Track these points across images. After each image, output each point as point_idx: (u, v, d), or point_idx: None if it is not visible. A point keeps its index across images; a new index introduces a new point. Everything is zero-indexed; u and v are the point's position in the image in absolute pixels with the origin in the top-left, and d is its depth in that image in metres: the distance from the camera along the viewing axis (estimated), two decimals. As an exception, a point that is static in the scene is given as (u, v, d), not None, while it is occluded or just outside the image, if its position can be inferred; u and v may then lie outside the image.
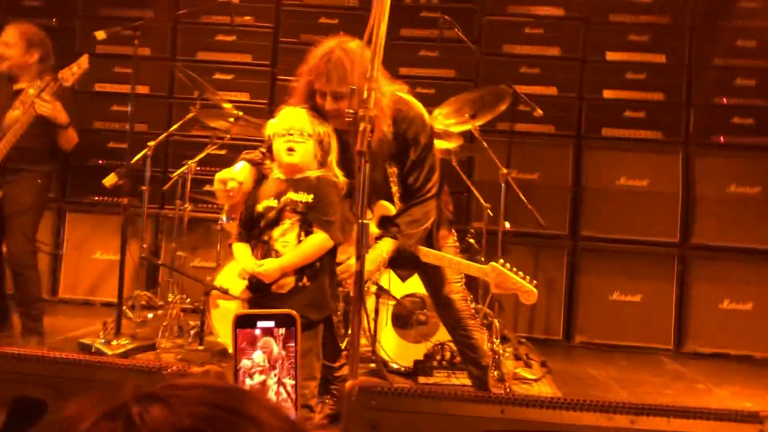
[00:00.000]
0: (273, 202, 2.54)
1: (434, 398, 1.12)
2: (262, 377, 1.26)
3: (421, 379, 3.69)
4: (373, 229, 2.62)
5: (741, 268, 4.98)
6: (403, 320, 3.90)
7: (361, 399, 1.12)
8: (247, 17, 5.13)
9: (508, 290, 2.72)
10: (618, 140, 5.18)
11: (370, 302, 3.80)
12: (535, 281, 2.75)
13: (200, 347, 3.94)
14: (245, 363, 1.23)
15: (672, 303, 5.02)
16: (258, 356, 1.28)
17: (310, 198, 2.49)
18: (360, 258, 1.75)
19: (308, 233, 2.49)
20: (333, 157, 2.57)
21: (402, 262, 2.70)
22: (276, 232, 2.52)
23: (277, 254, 2.50)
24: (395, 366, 3.81)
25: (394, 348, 3.86)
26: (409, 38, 5.32)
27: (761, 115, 5.09)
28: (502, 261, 2.75)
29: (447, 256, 2.72)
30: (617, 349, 4.95)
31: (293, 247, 2.48)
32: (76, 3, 5.54)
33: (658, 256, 5.06)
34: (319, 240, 2.46)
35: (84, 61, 3.73)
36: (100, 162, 5.30)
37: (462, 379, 3.58)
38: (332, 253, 2.55)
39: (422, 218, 2.65)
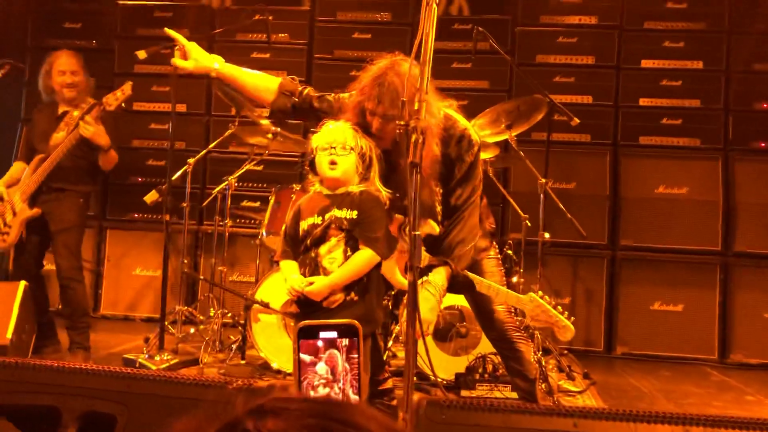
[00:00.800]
0: (317, 219, 2.54)
1: (504, 411, 1.11)
2: (326, 390, 1.26)
3: (464, 393, 3.65)
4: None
5: (786, 276, 4.88)
6: (442, 333, 3.88)
7: (429, 413, 1.11)
8: (282, 34, 5.18)
9: (544, 324, 2.66)
10: (656, 148, 5.12)
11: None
12: (573, 318, 2.68)
13: (242, 361, 3.96)
14: (309, 376, 1.23)
15: (715, 312, 4.93)
16: (321, 368, 1.28)
17: (354, 214, 2.49)
18: (412, 269, 1.74)
19: (354, 249, 2.49)
20: (375, 172, 2.56)
21: (457, 288, 2.66)
22: (323, 249, 2.52)
23: (325, 271, 2.50)
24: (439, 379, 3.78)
25: (434, 361, 3.83)
26: (442, 51, 5.33)
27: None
28: (541, 293, 2.69)
29: (494, 285, 2.66)
30: (660, 360, 4.87)
31: (340, 263, 2.49)
32: (115, 24, 5.66)
33: (700, 264, 4.97)
34: (366, 257, 2.46)
35: (127, 88, 3.83)
36: (139, 180, 5.39)
37: (506, 392, 3.54)
38: (378, 267, 2.54)
39: (468, 236, 2.61)
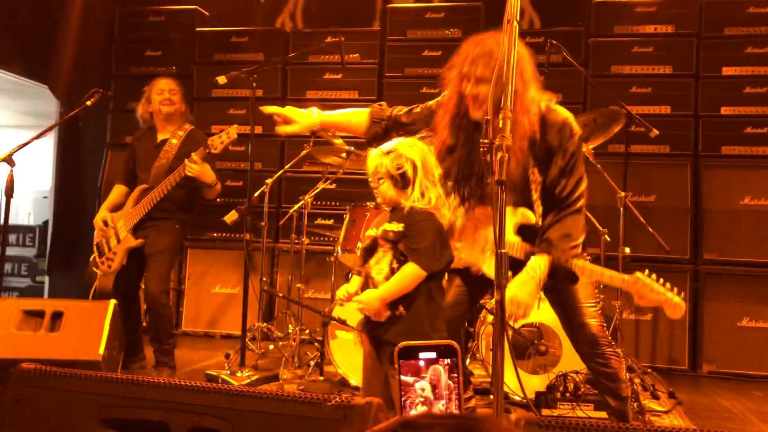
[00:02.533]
0: (372, 232, 2.63)
1: (601, 431, 1.09)
2: (424, 408, 1.27)
3: (544, 412, 3.59)
4: (511, 236, 2.58)
5: None
6: (520, 350, 3.83)
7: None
8: (354, 55, 5.27)
9: (652, 302, 2.52)
10: (740, 158, 4.93)
11: (487, 332, 3.76)
12: (683, 292, 2.58)
13: (320, 377, 4.01)
14: (411, 396, 1.24)
15: (809, 329, 4.69)
16: (421, 386, 1.29)
17: (400, 227, 2.53)
18: (500, 288, 1.73)
19: (401, 262, 2.53)
20: (420, 186, 2.55)
21: (558, 278, 2.59)
22: (372, 260, 2.60)
23: (373, 281, 2.57)
24: (516, 398, 3.73)
25: (514, 379, 3.78)
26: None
27: None
28: (647, 271, 2.60)
29: (597, 268, 2.58)
30: (750, 379, 4.65)
31: (386, 275, 2.54)
32: (193, 51, 5.89)
33: (790, 279, 4.75)
34: (410, 270, 2.49)
35: (233, 132, 3.97)
36: (218, 200, 5.54)
37: (588, 412, 3.46)
38: (429, 280, 2.54)
39: (574, 233, 2.55)
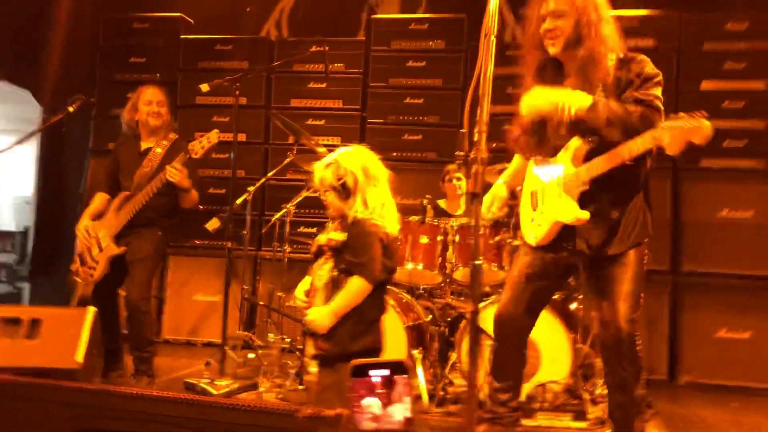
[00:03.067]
0: (321, 238, 2.72)
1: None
2: (374, 425, 1.29)
3: (524, 422, 3.60)
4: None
5: None
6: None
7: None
8: (338, 64, 5.29)
9: (686, 140, 2.45)
10: (718, 171, 5.00)
11: (467, 342, 3.77)
12: (703, 111, 2.49)
13: (300, 387, 4.00)
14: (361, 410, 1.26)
15: (784, 340, 4.75)
16: (370, 402, 1.31)
17: (343, 237, 2.60)
18: (475, 300, 1.75)
19: (341, 270, 2.60)
20: (363, 196, 2.62)
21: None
22: (316, 265, 2.70)
23: (313, 287, 2.67)
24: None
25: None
26: (497, 77, 5.34)
27: None
28: (672, 116, 2.52)
29: (622, 148, 2.55)
30: (728, 389, 4.70)
31: (325, 281, 2.62)
32: (178, 58, 5.88)
33: (767, 290, 4.81)
34: (356, 284, 2.55)
35: (213, 136, 3.99)
36: (200, 208, 5.53)
37: (566, 422, 3.48)
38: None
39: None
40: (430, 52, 5.51)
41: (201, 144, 3.98)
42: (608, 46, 2.63)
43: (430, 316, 4.20)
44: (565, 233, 2.74)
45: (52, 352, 3.37)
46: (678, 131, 2.44)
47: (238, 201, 4.35)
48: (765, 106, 5.00)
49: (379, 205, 2.62)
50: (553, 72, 2.75)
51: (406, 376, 1.31)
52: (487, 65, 1.88)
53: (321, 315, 2.58)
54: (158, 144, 4.21)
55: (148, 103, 4.21)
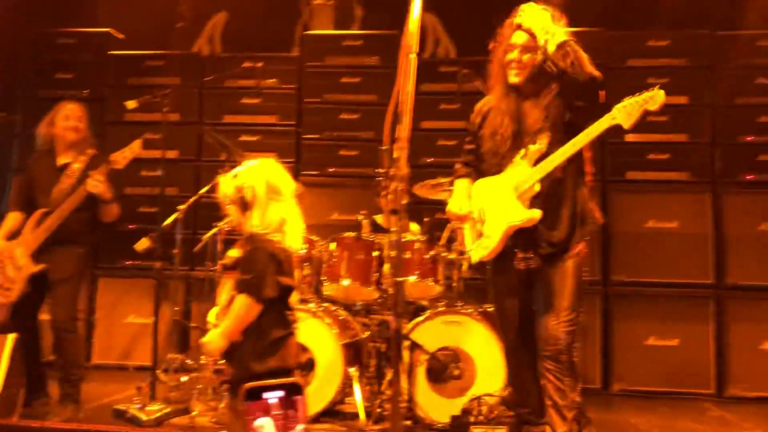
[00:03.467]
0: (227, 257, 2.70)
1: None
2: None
3: (459, 436, 3.62)
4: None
5: (779, 306, 4.88)
6: (437, 375, 3.85)
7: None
8: (271, 80, 5.26)
9: (642, 113, 2.79)
10: (643, 183, 5.16)
11: (404, 357, 3.76)
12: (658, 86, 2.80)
13: (234, 409, 3.92)
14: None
15: (710, 346, 4.91)
16: (263, 423, 1.30)
17: (238, 253, 2.59)
18: (397, 316, 1.74)
19: (236, 289, 2.56)
20: (262, 211, 2.58)
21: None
22: (221, 284, 2.67)
23: (220, 307, 2.63)
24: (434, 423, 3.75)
25: (429, 403, 3.80)
26: (430, 93, 5.43)
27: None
28: (628, 97, 2.84)
29: (583, 134, 2.81)
30: (657, 396, 4.83)
31: (225, 298, 2.58)
32: (107, 74, 5.73)
33: (693, 298, 4.97)
34: (241, 302, 2.48)
35: (137, 146, 3.90)
36: (131, 227, 5.39)
37: (501, 434, 3.50)
38: (266, 309, 2.53)
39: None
40: (365, 68, 5.54)
41: (124, 154, 3.88)
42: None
43: (368, 333, 4.18)
44: (524, 241, 2.83)
45: (-32, 383, 3.21)
46: (632, 106, 2.74)
47: (168, 220, 4.25)
48: (688, 120, 5.20)
49: (277, 220, 2.58)
50: (515, 95, 3.01)
51: (301, 396, 1.31)
52: (407, 83, 1.89)
53: (213, 338, 2.50)
54: (76, 159, 4.08)
55: (66, 118, 4.09)
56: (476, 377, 3.78)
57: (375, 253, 4.07)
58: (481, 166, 3.14)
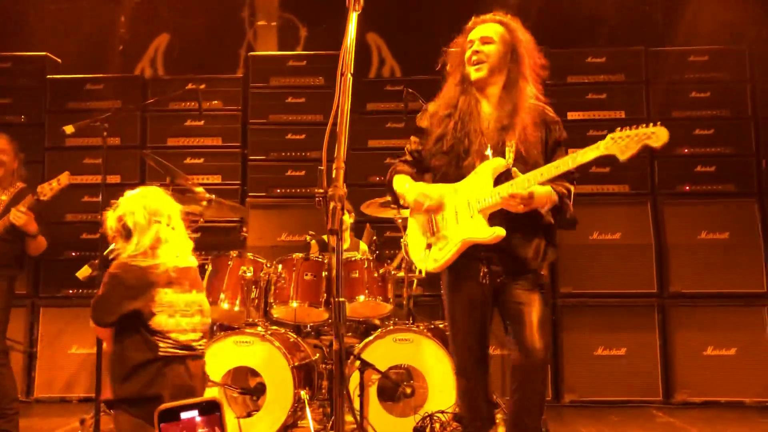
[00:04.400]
0: None
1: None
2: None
3: (413, 454, 3.60)
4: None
5: (720, 313, 5.03)
6: (389, 393, 3.84)
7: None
8: (215, 102, 5.21)
9: (636, 149, 2.49)
10: (587, 196, 5.27)
11: (355, 377, 3.74)
12: (658, 122, 2.53)
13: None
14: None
15: (657, 354, 5.03)
16: None
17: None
18: (338, 337, 1.73)
19: None
20: (139, 239, 2.68)
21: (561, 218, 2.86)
22: None
23: None
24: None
25: (382, 423, 3.77)
26: (377, 112, 5.46)
27: (721, 162, 5.26)
28: (619, 128, 2.56)
29: (567, 157, 2.65)
30: (607, 405, 4.91)
31: None
32: (45, 98, 5.60)
33: (638, 307, 5.10)
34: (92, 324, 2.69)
35: (64, 179, 3.80)
36: (73, 254, 5.25)
37: (454, 451, 3.50)
38: (123, 333, 2.63)
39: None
40: (310, 88, 5.54)
41: (50, 186, 3.79)
42: (529, 80, 2.80)
43: (318, 354, 4.14)
44: (488, 256, 2.72)
45: None
46: (630, 140, 2.52)
47: (110, 248, 4.13)
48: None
49: (150, 243, 2.61)
50: (470, 94, 2.81)
51: (218, 414, 1.30)
52: (344, 103, 1.89)
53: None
54: (3, 192, 3.98)
55: None
56: (428, 394, 3.77)
57: (324, 273, 4.04)
58: (429, 169, 2.89)
